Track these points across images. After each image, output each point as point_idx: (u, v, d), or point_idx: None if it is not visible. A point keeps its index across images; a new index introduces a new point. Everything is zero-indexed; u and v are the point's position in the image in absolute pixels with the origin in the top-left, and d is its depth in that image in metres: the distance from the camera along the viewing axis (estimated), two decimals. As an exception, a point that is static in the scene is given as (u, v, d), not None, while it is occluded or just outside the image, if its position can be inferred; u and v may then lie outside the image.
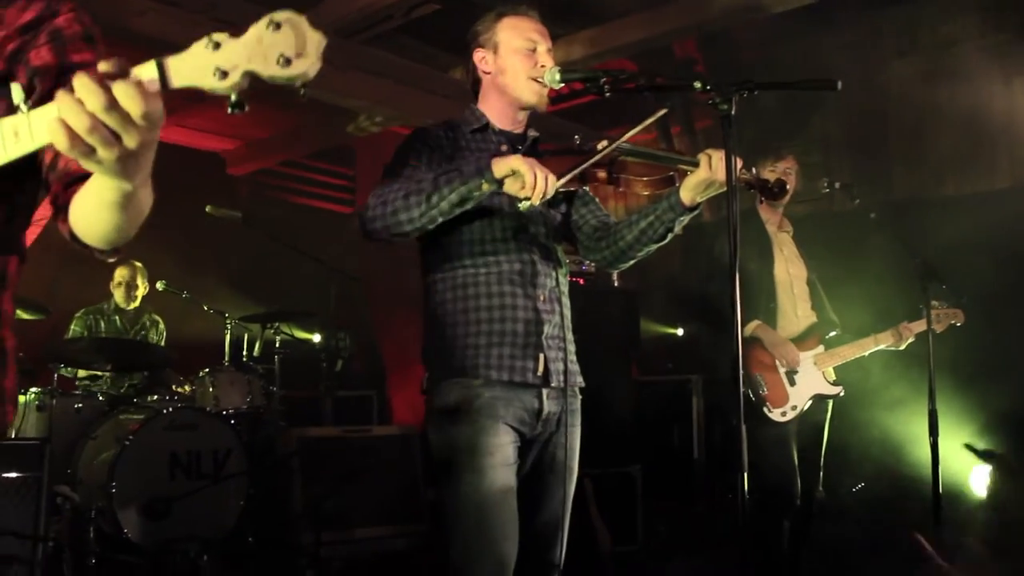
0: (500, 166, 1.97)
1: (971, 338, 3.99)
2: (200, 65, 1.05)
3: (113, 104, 1.02)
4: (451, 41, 5.85)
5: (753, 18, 5.43)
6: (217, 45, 1.04)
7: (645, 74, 4.56)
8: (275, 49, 1.03)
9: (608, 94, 2.04)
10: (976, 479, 5.39)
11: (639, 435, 5.72)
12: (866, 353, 3.83)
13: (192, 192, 6.95)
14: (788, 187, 3.53)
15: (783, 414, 3.66)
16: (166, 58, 1.06)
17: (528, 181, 1.92)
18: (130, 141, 1.06)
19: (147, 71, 1.06)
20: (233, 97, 1.07)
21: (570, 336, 2.31)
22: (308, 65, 1.04)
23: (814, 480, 3.76)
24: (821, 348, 3.79)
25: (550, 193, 1.96)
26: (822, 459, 3.79)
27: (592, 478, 4.78)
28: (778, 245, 3.88)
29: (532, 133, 2.38)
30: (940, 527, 3.58)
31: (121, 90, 1.02)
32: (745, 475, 1.74)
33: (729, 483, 5.20)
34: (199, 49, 1.05)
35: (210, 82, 1.04)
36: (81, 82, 1.01)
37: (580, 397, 2.34)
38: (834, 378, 3.80)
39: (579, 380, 2.33)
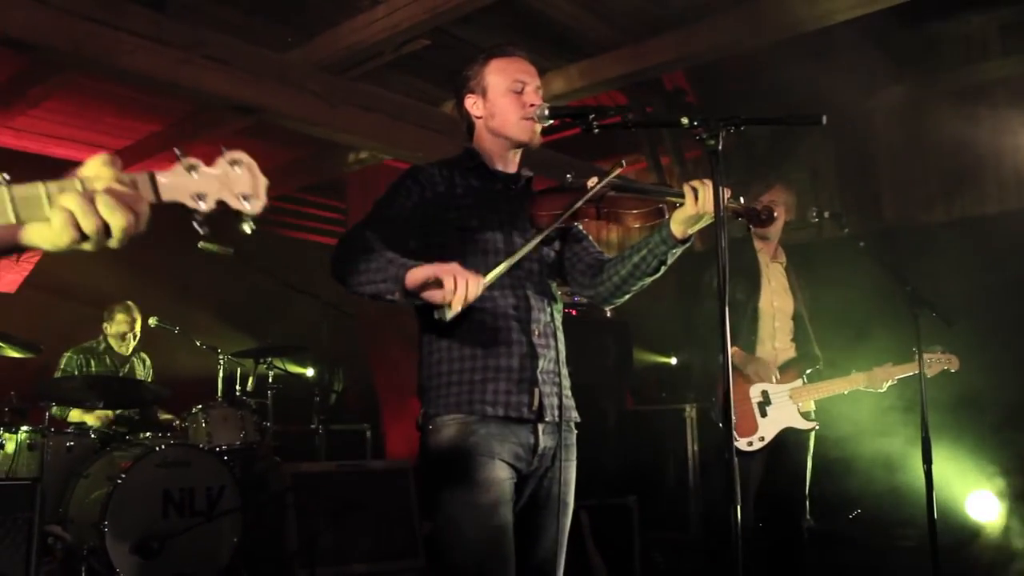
0: (413, 277, 1.94)
1: (963, 363, 3.99)
2: (182, 185, 1.26)
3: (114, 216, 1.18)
4: (441, 76, 5.91)
5: (739, 51, 5.49)
6: (192, 168, 1.26)
7: (634, 108, 4.62)
8: (238, 186, 1.29)
9: (596, 130, 2.06)
10: (972, 504, 5.38)
11: (634, 465, 5.71)
12: (844, 391, 3.81)
13: (184, 227, 6.96)
14: (776, 215, 3.57)
15: (749, 444, 3.67)
16: (156, 173, 1.25)
17: (448, 286, 1.89)
18: (115, 243, 1.21)
19: (143, 182, 1.24)
20: (200, 218, 1.30)
21: (565, 371, 2.31)
22: (261, 205, 1.31)
23: (801, 511, 3.75)
24: (800, 382, 3.78)
25: (473, 297, 1.91)
26: (807, 490, 3.78)
27: (588, 510, 4.76)
28: (767, 276, 3.90)
29: (526, 173, 2.40)
30: (937, 553, 3.56)
31: (130, 202, 1.20)
32: (739, 508, 1.74)
33: (721, 515, 5.12)
34: (179, 170, 1.27)
35: (192, 203, 1.28)
36: (103, 199, 1.17)
37: (575, 432, 2.34)
38: (811, 410, 3.79)
39: (574, 415, 2.33)
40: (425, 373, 2.26)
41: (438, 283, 1.90)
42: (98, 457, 4.62)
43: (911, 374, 3.78)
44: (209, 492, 4.58)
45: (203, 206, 1.28)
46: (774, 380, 3.73)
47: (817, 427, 3.80)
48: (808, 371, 3.83)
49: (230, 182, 1.29)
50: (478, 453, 2.12)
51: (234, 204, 1.29)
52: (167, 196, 1.26)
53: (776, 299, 3.90)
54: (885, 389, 3.84)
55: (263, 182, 1.31)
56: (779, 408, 3.72)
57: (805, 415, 3.78)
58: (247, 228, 1.34)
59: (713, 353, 3.82)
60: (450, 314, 1.90)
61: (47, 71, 5.51)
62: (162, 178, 1.25)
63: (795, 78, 5.84)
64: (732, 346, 3.64)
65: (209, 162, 1.29)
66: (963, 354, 3.93)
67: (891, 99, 6.38)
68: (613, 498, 5.10)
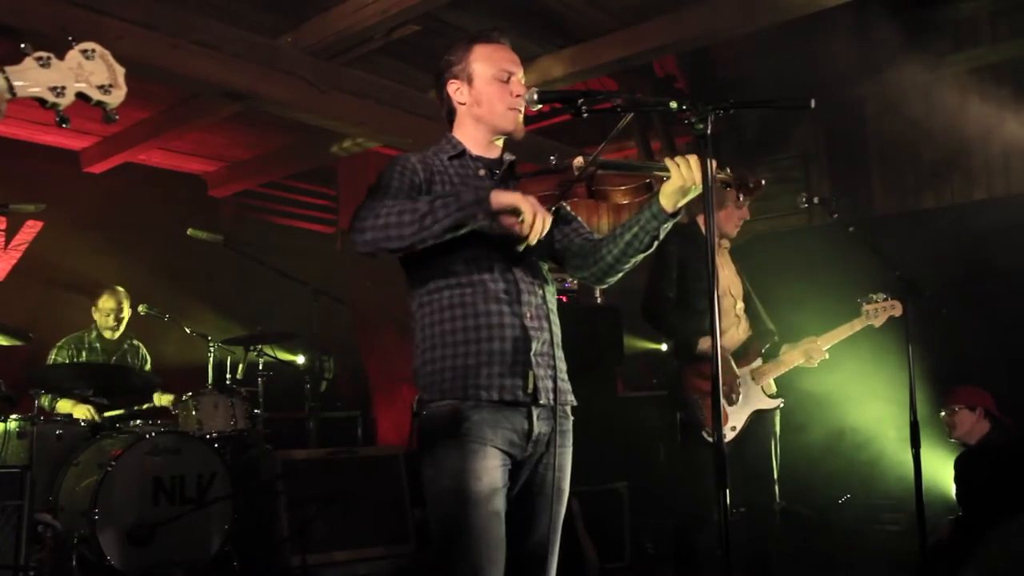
0: (499, 200, 1.99)
1: (951, 348, 4.00)
2: (36, 79, 1.25)
3: None
4: (431, 62, 5.85)
5: (732, 36, 5.48)
6: (44, 61, 1.25)
7: (623, 93, 4.61)
8: (95, 77, 1.29)
9: (586, 115, 2.05)
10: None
11: (625, 451, 5.72)
12: (802, 361, 3.81)
13: (174, 214, 6.95)
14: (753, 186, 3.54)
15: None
16: (6, 68, 1.23)
17: (528, 221, 1.96)
18: None
19: None
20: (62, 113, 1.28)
21: (560, 354, 2.30)
22: (122, 94, 1.32)
23: (771, 493, 3.71)
24: (759, 362, 3.77)
25: (545, 230, 1.99)
26: (775, 471, 3.73)
27: (579, 495, 4.78)
28: (720, 262, 3.83)
29: (508, 157, 2.38)
30: (924, 536, 3.59)
31: None
32: (727, 491, 1.74)
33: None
34: (31, 63, 1.25)
35: (51, 97, 1.26)
36: None
37: (571, 418, 2.34)
38: (774, 390, 3.78)
39: (571, 399, 2.32)
40: (419, 359, 2.25)
41: (514, 212, 1.98)
42: (88, 445, 4.62)
43: (858, 329, 3.81)
44: (200, 479, 4.58)
45: (62, 101, 1.26)
46: (737, 386, 3.68)
47: (783, 404, 3.77)
48: (767, 347, 3.81)
49: (86, 74, 1.28)
50: (470, 440, 2.11)
51: (95, 96, 1.29)
52: (23, 92, 1.25)
53: (732, 285, 3.86)
54: (817, 363, 3.82)
55: (120, 71, 1.31)
56: (745, 392, 3.70)
57: (770, 394, 3.76)
58: (111, 119, 1.33)
59: (681, 339, 3.80)
60: (525, 245, 2.03)
61: (33, 56, 5.46)
62: (14, 72, 1.24)
63: (786, 65, 5.84)
64: (705, 337, 3.66)
65: (61, 55, 1.27)
66: (952, 338, 3.93)
67: (881, 85, 6.39)
68: (604, 484, 5.11)
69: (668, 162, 2.11)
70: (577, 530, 4.74)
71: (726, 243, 3.94)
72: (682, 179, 2.09)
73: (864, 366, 4.30)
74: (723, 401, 3.62)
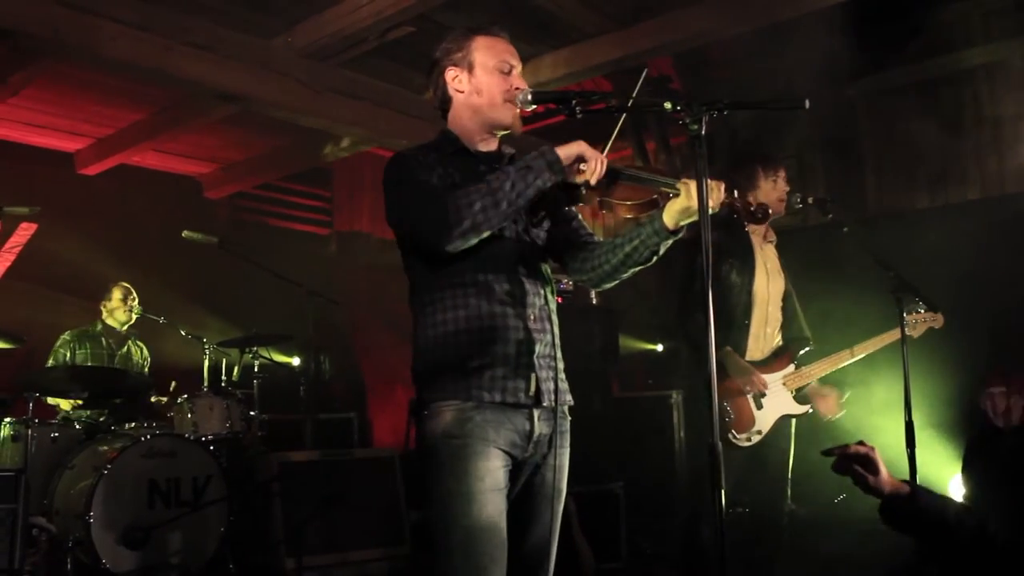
0: (567, 153, 2.09)
1: (946, 349, 4.00)
2: None
3: None
4: (426, 63, 5.86)
5: (726, 36, 5.49)
6: None
7: (617, 94, 4.61)
8: None
9: (580, 115, 2.05)
10: (955, 487, 5.42)
11: (621, 452, 5.73)
12: (833, 369, 3.79)
13: (169, 217, 6.94)
14: (771, 211, 3.54)
15: (748, 439, 3.62)
16: None
17: (592, 167, 2.10)
18: None
19: None
20: None
21: (559, 355, 2.30)
22: None
23: (783, 496, 3.72)
24: (792, 367, 3.76)
25: (603, 172, 2.12)
26: (790, 474, 3.75)
27: (575, 496, 4.78)
28: (762, 259, 3.83)
29: (507, 150, 2.38)
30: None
31: None
32: (722, 492, 1.74)
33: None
34: None
35: None
36: None
37: (569, 418, 2.34)
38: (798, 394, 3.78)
39: (569, 399, 2.32)
40: (420, 360, 2.24)
41: (579, 160, 2.11)
42: (83, 448, 4.61)
43: (886, 344, 3.76)
44: (195, 482, 4.57)
45: None
46: (767, 384, 3.68)
47: (811, 410, 3.76)
48: (800, 353, 3.80)
49: None
50: (473, 440, 2.11)
51: None
52: None
53: (772, 283, 3.83)
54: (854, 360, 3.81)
55: None
56: (774, 397, 3.67)
57: (797, 400, 3.76)
58: None
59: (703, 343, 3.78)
60: (584, 190, 2.15)
61: (26, 58, 5.45)
62: None
63: (781, 66, 5.85)
64: (724, 346, 3.64)
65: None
66: (947, 339, 3.92)
67: (876, 86, 6.39)
68: (600, 484, 5.11)
69: (681, 186, 2.11)
70: (573, 530, 4.74)
71: (772, 236, 3.94)
72: (691, 200, 2.08)
73: (858, 365, 4.29)
74: (752, 405, 3.65)
